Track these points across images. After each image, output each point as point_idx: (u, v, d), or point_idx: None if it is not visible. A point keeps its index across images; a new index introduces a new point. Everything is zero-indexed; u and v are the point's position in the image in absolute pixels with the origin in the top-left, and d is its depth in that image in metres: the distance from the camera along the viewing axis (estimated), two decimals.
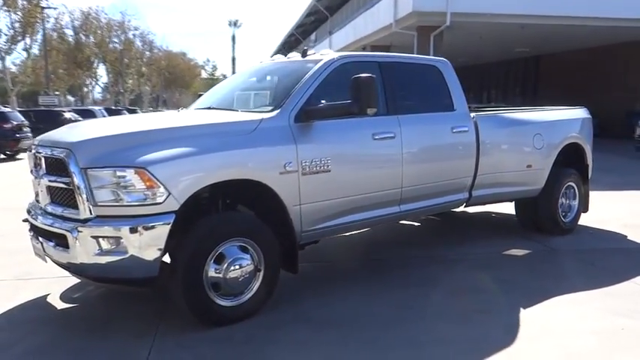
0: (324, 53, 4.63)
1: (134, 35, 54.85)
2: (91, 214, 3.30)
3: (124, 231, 3.24)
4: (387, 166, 4.50)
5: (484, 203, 5.69)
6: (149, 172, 3.25)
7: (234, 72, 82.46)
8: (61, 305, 4.12)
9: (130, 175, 3.24)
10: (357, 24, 26.11)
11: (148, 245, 3.27)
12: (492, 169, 5.33)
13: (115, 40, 52.11)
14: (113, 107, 33.39)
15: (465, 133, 5.08)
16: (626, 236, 6.14)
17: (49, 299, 4.24)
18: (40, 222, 3.65)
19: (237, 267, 3.56)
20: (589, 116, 6.55)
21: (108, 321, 3.77)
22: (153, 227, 3.27)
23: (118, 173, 3.26)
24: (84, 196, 3.28)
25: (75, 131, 3.80)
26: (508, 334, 3.51)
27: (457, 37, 21.19)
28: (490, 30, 20.53)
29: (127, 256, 3.26)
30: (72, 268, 3.48)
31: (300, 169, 3.87)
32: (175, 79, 79.65)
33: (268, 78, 4.83)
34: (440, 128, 4.92)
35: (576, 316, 3.81)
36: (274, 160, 3.77)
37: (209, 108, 4.64)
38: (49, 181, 3.58)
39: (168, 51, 76.98)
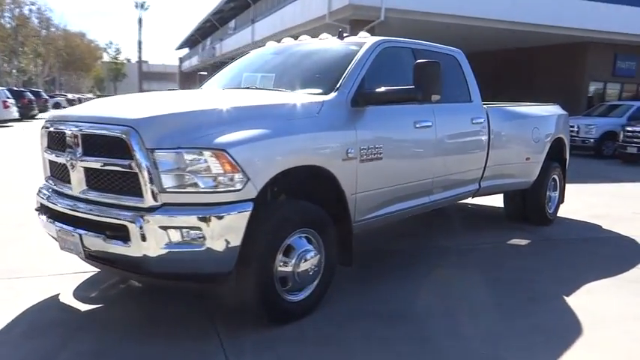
0: (363, 36, 4.45)
1: (30, 11, 50.51)
2: (157, 201, 2.90)
3: (200, 221, 2.89)
4: (424, 156, 4.43)
5: (487, 194, 5.79)
6: (229, 154, 2.91)
7: (140, 57, 78.67)
8: (81, 306, 3.63)
9: (207, 157, 2.89)
10: (286, 13, 25.79)
11: (226, 237, 2.93)
12: (498, 161, 5.43)
13: (8, 14, 47.68)
14: (15, 88, 30.42)
15: (481, 124, 5.13)
16: (600, 226, 6.53)
17: (62, 299, 3.72)
18: (77, 211, 3.16)
19: (306, 259, 3.31)
20: (565, 112, 6.89)
21: (151, 323, 3.37)
22: (231, 217, 2.93)
23: (193, 156, 2.88)
24: (150, 181, 2.87)
25: (130, 106, 3.35)
26: (568, 323, 3.56)
27: (388, 33, 21.65)
28: (418, 28, 21.10)
29: (202, 249, 2.90)
30: (127, 263, 3.04)
31: (359, 156, 3.69)
32: (74, 61, 74.47)
33: (297, 59, 4.55)
34: (464, 119, 4.93)
35: (617, 303, 3.95)
36: (339, 146, 3.56)
37: (246, 88, 4.27)
38: (95, 163, 3.10)
39: (67, 30, 71.84)
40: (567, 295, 4.04)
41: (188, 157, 2.88)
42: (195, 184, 2.90)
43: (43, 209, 3.56)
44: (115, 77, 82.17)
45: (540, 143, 5.99)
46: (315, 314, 3.48)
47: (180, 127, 2.98)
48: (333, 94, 3.70)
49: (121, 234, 2.96)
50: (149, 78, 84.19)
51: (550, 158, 6.37)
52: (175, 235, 2.89)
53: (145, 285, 4.00)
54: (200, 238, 2.89)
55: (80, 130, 3.15)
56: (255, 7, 33.58)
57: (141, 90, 78.73)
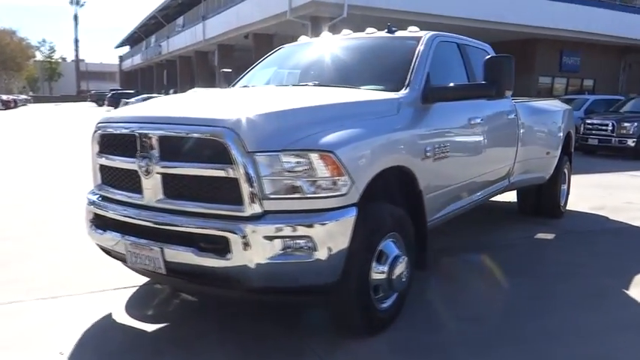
0: (414, 30, 4.31)
1: None
2: (259, 209, 2.65)
3: (309, 229, 2.66)
4: (477, 152, 4.36)
5: (512, 190, 5.79)
6: (336, 156, 2.70)
7: (77, 55, 75.00)
8: (143, 325, 3.32)
9: (314, 160, 2.67)
10: (242, 10, 25.30)
11: (334, 245, 2.72)
12: (525, 156, 5.44)
13: None
14: None
15: (514, 119, 5.11)
16: (607, 217, 6.69)
17: (118, 319, 3.40)
18: (156, 223, 2.86)
19: (398, 265, 3.14)
20: (570, 107, 7.04)
21: (235, 342, 3.10)
22: (339, 223, 2.73)
23: (298, 158, 2.66)
24: (252, 187, 2.62)
25: (217, 105, 3.08)
26: None
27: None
28: (380, 25, 21.21)
29: (311, 259, 2.68)
30: (221, 278, 2.77)
31: (433, 154, 3.56)
32: (4, 61, 70.54)
33: (353, 54, 4.34)
34: (502, 114, 4.90)
35: None
36: (419, 145, 3.42)
37: (306, 84, 3.99)
38: (179, 169, 2.80)
39: None
40: (627, 288, 4.06)
41: (293, 159, 2.65)
42: (300, 189, 2.67)
43: (100, 221, 3.21)
44: (50, 77, 78.37)
45: (557, 137, 6.07)
46: (398, 322, 3.31)
47: (280, 128, 2.75)
48: (405, 91, 3.55)
49: (217, 246, 2.69)
50: (87, 77, 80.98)
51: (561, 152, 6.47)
52: (281, 246, 2.66)
53: (202, 298, 3.71)
54: (308, 247, 2.67)
55: (159, 132, 2.84)
56: (207, 4, 32.76)
57: (79, 90, 75.59)
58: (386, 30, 4.38)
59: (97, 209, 3.24)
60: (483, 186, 4.69)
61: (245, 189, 2.63)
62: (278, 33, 24.99)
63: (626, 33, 25.55)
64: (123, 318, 3.41)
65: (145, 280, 3.89)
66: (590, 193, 8.49)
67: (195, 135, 2.74)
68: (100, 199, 3.29)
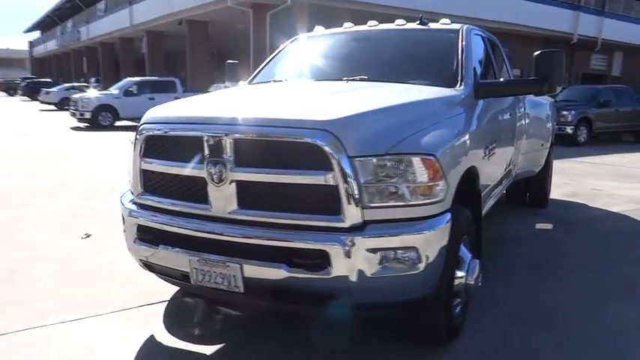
0: (446, 22, 4.18)
1: None
2: (360, 219, 2.43)
3: (414, 238, 2.47)
4: (509, 147, 4.33)
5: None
6: (437, 160, 2.52)
7: None
8: (199, 348, 3.00)
9: (416, 164, 2.47)
10: None
11: (436, 255, 2.55)
12: (527, 148, 5.51)
13: None
14: None
15: (523, 112, 5.14)
16: (585, 204, 6.96)
17: (164, 341, 3.07)
18: (234, 236, 2.56)
19: (473, 268, 3.02)
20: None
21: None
22: (441, 231, 2.56)
23: (400, 163, 2.45)
24: (353, 195, 2.39)
25: (304, 104, 2.81)
26: None
27: (290, 19, 21.33)
28: (323, 14, 21.06)
29: (417, 271, 2.49)
30: (315, 296, 2.52)
31: (488, 151, 3.47)
32: None
33: (390, 47, 4.13)
34: (517, 107, 4.89)
35: None
36: (481, 143, 3.31)
37: (348, 79, 3.73)
38: (263, 176, 2.51)
39: None
40: None
41: (395, 164, 2.44)
42: (401, 196, 2.47)
43: (149, 235, 2.85)
44: None
45: (549, 129, 6.19)
46: (466, 327, 3.20)
47: (379, 129, 2.53)
48: (461, 87, 3.41)
49: (314, 261, 2.44)
50: None
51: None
52: (386, 258, 2.45)
53: (246, 313, 3.43)
54: (413, 258, 2.48)
55: (238, 135, 2.53)
56: None
57: None
58: (418, 22, 4.21)
59: (143, 221, 2.87)
60: (503, 181, 4.67)
61: (345, 197, 2.39)
62: (214, 20, 24.20)
63: (549, 25, 27.00)
64: (169, 340, 3.08)
65: (162, 294, 3.58)
66: (555, 180, 8.81)
67: (287, 138, 2.46)
68: (144, 208, 2.91)
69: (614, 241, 5.22)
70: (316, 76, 3.89)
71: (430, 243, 2.51)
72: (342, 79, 3.53)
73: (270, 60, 4.43)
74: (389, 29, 4.29)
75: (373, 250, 2.41)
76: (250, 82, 4.18)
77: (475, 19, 23.24)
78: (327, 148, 2.37)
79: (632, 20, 32.43)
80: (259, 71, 4.34)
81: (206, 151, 2.59)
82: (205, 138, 2.58)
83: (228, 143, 2.53)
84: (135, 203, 2.98)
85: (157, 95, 17.27)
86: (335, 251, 2.39)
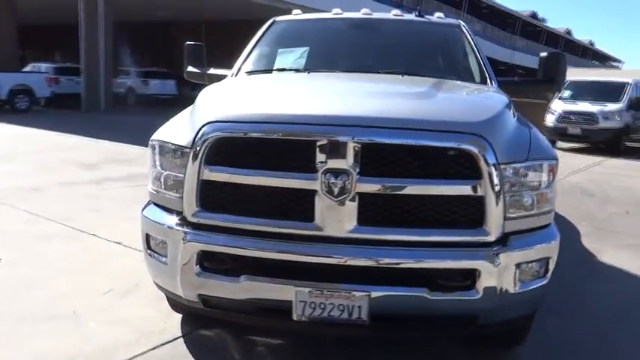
0: (441, 16, 4.09)
1: None
2: (502, 232, 2.23)
3: (549, 248, 2.37)
4: None
5: None
6: (557, 165, 2.44)
7: None
8: None
9: (546, 170, 2.36)
10: None
11: (554, 263, 2.47)
12: None
13: None
14: None
15: None
16: None
17: None
18: (359, 259, 2.17)
19: None
20: None
21: None
22: (558, 239, 2.48)
23: (535, 170, 2.32)
24: (499, 206, 2.19)
25: (441, 103, 2.52)
26: None
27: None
28: None
29: (547, 281, 2.39)
30: (458, 317, 2.26)
31: None
32: None
33: (397, 38, 3.86)
34: None
35: None
36: None
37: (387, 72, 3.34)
38: (399, 186, 2.15)
39: None
40: None
41: (533, 171, 2.30)
42: (533, 205, 2.33)
43: (223, 264, 2.28)
44: None
45: None
46: None
47: (508, 134, 2.35)
48: (493, 85, 3.37)
49: (459, 283, 2.18)
50: None
51: None
52: (526, 272, 2.29)
53: (291, 336, 2.98)
54: (545, 269, 2.37)
55: (365, 138, 2.11)
56: None
57: None
58: (416, 14, 4.04)
59: (213, 247, 2.27)
60: None
61: (491, 209, 2.17)
62: None
63: None
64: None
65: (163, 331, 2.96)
66: None
67: (431, 143, 2.13)
68: (205, 230, 2.31)
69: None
70: (345, 67, 3.47)
71: (555, 252, 2.42)
72: (379, 72, 3.23)
73: (256, 45, 3.86)
74: (393, 19, 4.05)
75: (519, 265, 2.24)
76: (250, 73, 3.58)
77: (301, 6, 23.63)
78: (479, 155, 2.11)
79: None
80: (247, 58, 3.75)
81: (320, 158, 2.13)
82: (321, 142, 2.12)
83: (353, 148, 2.11)
84: (186, 224, 2.34)
85: None
86: (486, 269, 2.16)
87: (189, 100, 2.77)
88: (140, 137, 10.38)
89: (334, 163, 2.11)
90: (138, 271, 3.84)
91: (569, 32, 62.87)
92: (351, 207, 2.15)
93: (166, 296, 2.86)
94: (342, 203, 2.14)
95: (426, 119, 2.20)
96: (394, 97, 2.62)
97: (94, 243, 4.50)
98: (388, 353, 2.87)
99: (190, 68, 3.92)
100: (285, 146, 2.20)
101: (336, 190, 2.12)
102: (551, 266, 2.39)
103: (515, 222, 2.27)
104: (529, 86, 3.76)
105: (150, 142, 2.57)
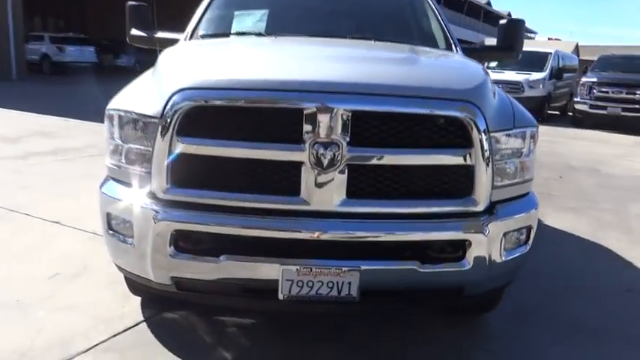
0: None
1: None
2: (489, 201, 2.20)
3: (530, 217, 2.37)
4: None
5: None
6: (537, 133, 2.43)
7: None
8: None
9: (528, 138, 2.35)
10: None
11: (534, 232, 2.48)
12: None
13: None
14: None
15: None
16: None
17: None
18: (352, 235, 2.07)
19: None
20: None
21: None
22: (538, 208, 2.49)
23: (519, 138, 2.30)
24: (488, 175, 2.15)
25: (419, 69, 2.40)
26: None
27: None
28: None
29: (527, 249, 2.40)
30: (446, 289, 2.22)
31: None
32: None
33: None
34: None
35: None
36: None
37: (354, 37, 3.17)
38: (388, 157, 2.05)
39: None
40: None
41: (518, 139, 2.28)
42: (517, 173, 2.32)
43: (200, 244, 2.11)
44: None
45: None
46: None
47: (495, 101, 2.29)
48: (459, 52, 3.32)
49: (450, 254, 2.14)
50: None
51: None
52: (512, 240, 2.29)
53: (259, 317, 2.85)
54: (526, 238, 2.38)
55: (356, 106, 1.99)
56: None
57: None
58: None
59: (189, 225, 2.09)
60: None
61: (481, 178, 2.13)
62: None
63: None
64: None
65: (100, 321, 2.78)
66: None
67: (422, 110, 2.03)
68: (179, 207, 2.12)
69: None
70: (310, 32, 3.24)
71: (535, 220, 2.43)
72: (346, 37, 3.08)
73: (209, 6, 3.56)
74: None
75: (505, 234, 2.23)
76: (203, 36, 3.31)
77: None
78: (471, 122, 2.05)
79: None
80: (200, 20, 3.46)
81: (307, 127, 1.98)
82: (310, 110, 1.97)
83: (344, 117, 1.98)
84: (156, 201, 2.14)
85: None
86: (476, 239, 2.12)
87: (115, 69, 2.54)
88: (63, 108, 9.85)
89: (324, 133, 1.97)
90: (83, 251, 3.57)
91: (488, 3, 64.97)
92: (340, 179, 2.03)
93: (126, 279, 2.65)
94: (330, 176, 2.01)
95: (418, 86, 2.11)
96: (380, 63, 2.50)
97: (28, 223, 4.12)
98: (364, 324, 2.82)
99: (134, 31, 3.59)
100: (267, 115, 2.03)
101: (325, 162, 1.99)
102: (532, 234, 2.40)
103: (501, 191, 2.24)
104: (490, 53, 3.75)
105: (107, 111, 2.31)
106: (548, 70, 14.48)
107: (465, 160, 2.08)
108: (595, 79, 13.42)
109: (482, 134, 2.06)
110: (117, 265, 2.43)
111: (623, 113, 12.79)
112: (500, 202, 2.24)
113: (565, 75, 15.31)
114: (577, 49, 30.97)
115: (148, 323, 2.74)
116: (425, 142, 2.06)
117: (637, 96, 12.67)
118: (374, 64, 2.45)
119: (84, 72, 21.36)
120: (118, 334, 2.63)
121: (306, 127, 1.97)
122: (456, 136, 2.07)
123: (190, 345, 2.57)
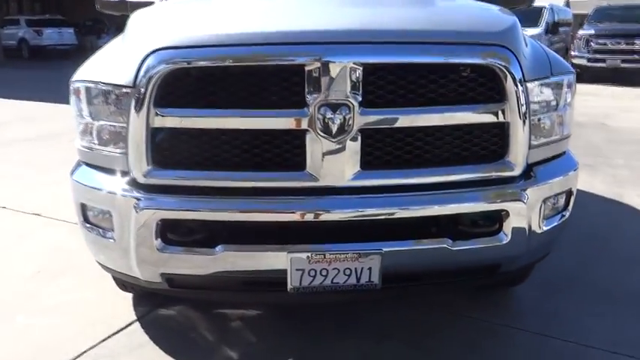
0: None
1: None
2: (526, 163, 1.89)
3: (569, 179, 2.07)
4: None
5: None
6: (575, 80, 2.10)
7: None
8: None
9: (568, 88, 2.02)
10: None
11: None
12: None
13: None
14: None
15: None
16: None
17: None
18: (368, 215, 1.76)
19: None
20: None
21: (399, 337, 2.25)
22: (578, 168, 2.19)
23: (559, 88, 1.98)
24: (525, 132, 1.83)
25: (438, 11, 2.07)
26: None
27: None
28: None
29: (567, 216, 2.10)
30: (481, 267, 1.93)
31: None
32: None
33: None
34: None
35: None
36: None
37: None
38: (409, 117, 1.72)
39: None
40: None
41: (556, 88, 1.95)
42: (556, 129, 2.00)
43: (204, 234, 1.79)
44: None
45: None
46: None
47: (528, 45, 1.96)
48: None
49: (486, 228, 1.83)
50: None
51: None
52: (552, 207, 1.99)
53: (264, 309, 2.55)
54: (566, 203, 2.07)
55: (369, 58, 1.65)
56: None
57: None
58: None
59: (178, 213, 1.77)
60: None
61: (518, 136, 1.81)
62: None
63: None
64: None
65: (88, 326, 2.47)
66: None
67: (445, 59, 1.70)
68: (164, 192, 1.79)
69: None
70: None
71: (576, 182, 2.13)
72: None
73: None
74: None
75: (545, 200, 1.92)
76: None
77: None
78: (505, 70, 1.72)
79: None
80: None
81: (310, 88, 1.65)
82: (312, 66, 1.63)
83: (354, 72, 1.64)
84: (137, 187, 1.81)
85: None
86: (515, 208, 1.81)
87: (97, 51, 2.17)
88: (45, 94, 9.41)
89: (330, 93, 1.64)
90: (67, 246, 3.26)
91: None
92: (353, 148, 1.70)
93: (112, 276, 2.34)
94: (341, 144, 1.68)
95: (440, 30, 1.77)
96: (392, 5, 2.13)
97: (6, 216, 3.79)
98: (377, 306, 2.53)
99: None
100: (262, 76, 1.69)
101: (334, 128, 1.66)
102: (572, 199, 2.09)
103: (538, 150, 1.93)
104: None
105: (71, 84, 1.96)
106: (543, 26, 14.01)
107: (497, 116, 1.75)
108: (592, 32, 13.00)
109: (518, 85, 1.73)
110: (99, 263, 2.12)
111: (622, 65, 12.42)
112: (537, 163, 1.93)
113: (560, 29, 14.86)
114: (568, 2, 30.33)
115: (142, 322, 2.45)
116: (450, 97, 1.74)
117: (636, 46, 12.28)
118: (386, 7, 2.09)
119: (65, 55, 20.69)
120: (109, 337, 2.33)
121: (309, 87, 1.64)
122: (488, 88, 1.74)
123: (190, 345, 2.28)
